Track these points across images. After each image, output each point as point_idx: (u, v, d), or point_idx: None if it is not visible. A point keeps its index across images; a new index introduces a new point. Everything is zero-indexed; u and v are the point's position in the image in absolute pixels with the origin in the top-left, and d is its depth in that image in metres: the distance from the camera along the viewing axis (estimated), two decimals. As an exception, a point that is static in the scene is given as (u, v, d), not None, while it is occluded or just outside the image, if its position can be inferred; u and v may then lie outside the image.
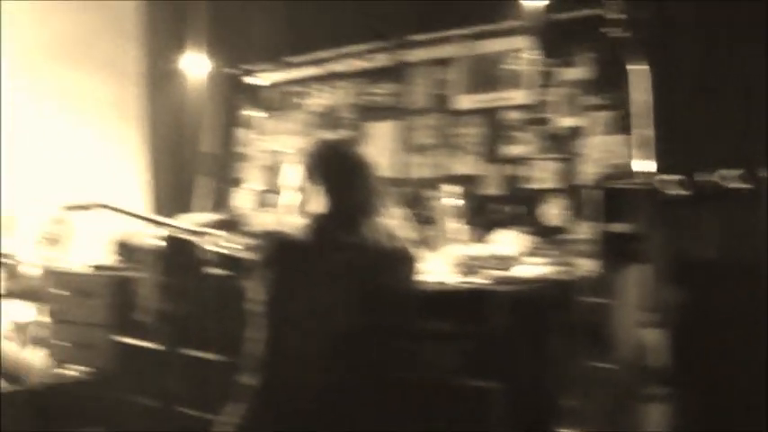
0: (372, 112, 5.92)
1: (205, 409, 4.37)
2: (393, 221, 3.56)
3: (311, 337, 3.35)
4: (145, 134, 7.09)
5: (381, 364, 3.38)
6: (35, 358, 4.11)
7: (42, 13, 6.62)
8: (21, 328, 6.05)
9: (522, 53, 5.24)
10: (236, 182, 6.60)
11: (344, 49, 6.01)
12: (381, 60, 5.87)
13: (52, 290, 5.30)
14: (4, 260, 5.77)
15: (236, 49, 6.57)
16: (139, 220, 5.20)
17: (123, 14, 7.09)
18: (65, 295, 5.22)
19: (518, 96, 5.28)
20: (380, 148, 5.69)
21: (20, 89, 6.51)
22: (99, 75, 6.88)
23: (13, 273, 5.69)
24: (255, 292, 3.47)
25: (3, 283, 5.60)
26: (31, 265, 5.77)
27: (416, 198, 5.28)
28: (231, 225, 5.03)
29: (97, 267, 5.39)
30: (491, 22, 5.34)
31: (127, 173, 7.00)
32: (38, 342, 5.55)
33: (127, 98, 7.07)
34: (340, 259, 3.38)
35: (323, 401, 3.33)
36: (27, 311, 5.89)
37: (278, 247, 3.49)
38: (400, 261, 3.47)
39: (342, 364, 3.33)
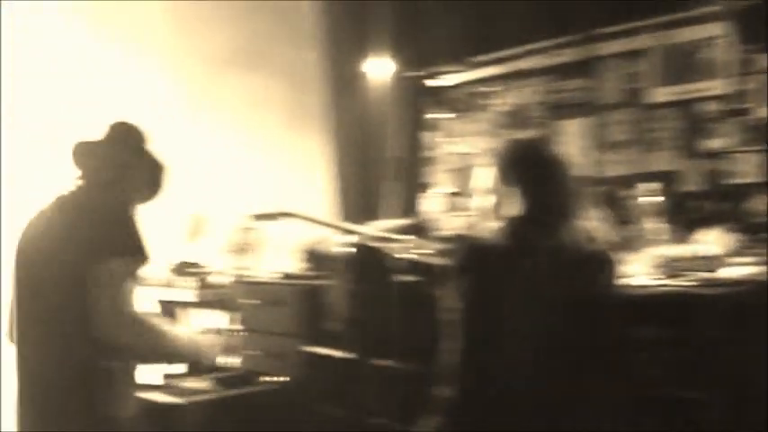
0: (562, 109, 5.78)
1: (397, 420, 4.29)
2: (591, 223, 3.38)
3: (510, 347, 3.20)
4: (329, 140, 7.07)
5: (585, 372, 3.21)
6: (212, 340, 4.12)
7: (216, 19, 6.66)
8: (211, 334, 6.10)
9: (720, 40, 5.00)
10: (424, 186, 6.50)
11: (531, 46, 5.86)
12: (570, 55, 5.72)
13: (242, 299, 5.28)
14: (194, 270, 5.81)
15: (419, 50, 6.49)
16: (327, 228, 5.17)
17: (301, 18, 7.09)
18: (254, 304, 5.19)
19: (716, 86, 5.06)
20: (572, 146, 5.53)
21: (198, 98, 6.57)
22: (278, 80, 6.89)
23: (203, 282, 5.71)
24: (449, 299, 3.34)
25: (194, 292, 5.62)
26: (221, 274, 5.79)
27: (612, 197, 5.10)
28: (420, 230, 4.93)
29: (286, 276, 5.37)
30: (685, 9, 5.12)
31: (312, 180, 7.00)
32: (230, 350, 5.56)
33: (308, 104, 7.07)
34: (538, 264, 3.23)
35: (524, 413, 3.18)
36: (218, 320, 5.92)
37: (472, 253, 3.36)
38: (601, 265, 3.29)
39: (543, 375, 3.17)
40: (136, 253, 3.58)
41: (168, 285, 5.87)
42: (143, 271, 3.64)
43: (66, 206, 3.74)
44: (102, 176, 3.80)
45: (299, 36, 7.05)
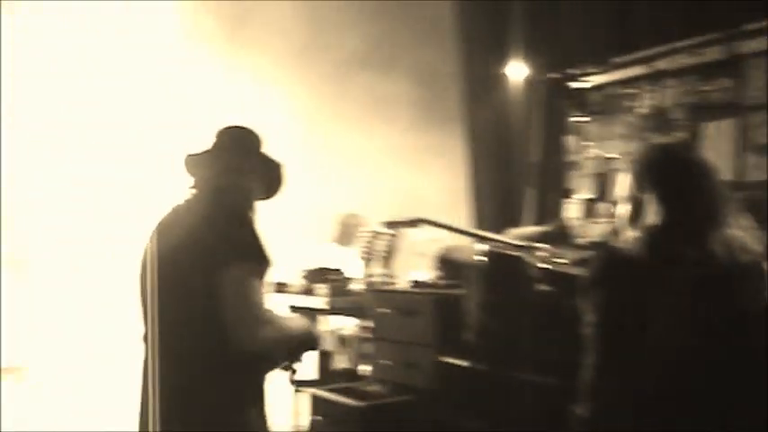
0: (706, 110, 5.54)
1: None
2: (739, 232, 3.19)
3: (650, 365, 3.04)
4: (465, 143, 6.96)
5: (732, 393, 3.03)
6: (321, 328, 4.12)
7: (352, 18, 6.63)
8: (346, 342, 6.06)
9: None
10: (564, 192, 6.32)
11: (672, 45, 5.66)
12: (713, 54, 5.50)
13: (375, 307, 5.21)
14: (328, 276, 5.78)
15: (558, 51, 6.35)
16: (461, 235, 5.07)
17: (437, 18, 7.01)
18: (387, 313, 5.10)
19: None
20: (717, 149, 5.31)
21: (328, 99, 6.54)
22: (411, 82, 6.83)
23: (337, 289, 5.67)
24: (586, 312, 3.19)
25: (328, 298, 5.58)
26: (357, 281, 5.73)
27: (759, 204, 4.87)
28: (560, 238, 4.80)
29: (419, 284, 5.27)
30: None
31: (447, 185, 6.91)
32: (363, 358, 5.52)
33: (443, 106, 6.99)
34: (682, 277, 3.06)
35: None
36: (352, 326, 5.88)
37: (607, 264, 3.21)
38: (756, 276, 3.11)
39: (687, 396, 3.01)
40: (256, 257, 3.59)
41: (302, 292, 5.86)
42: (266, 275, 3.65)
43: (184, 215, 3.76)
44: (215, 183, 3.81)
45: (435, 37, 6.98)
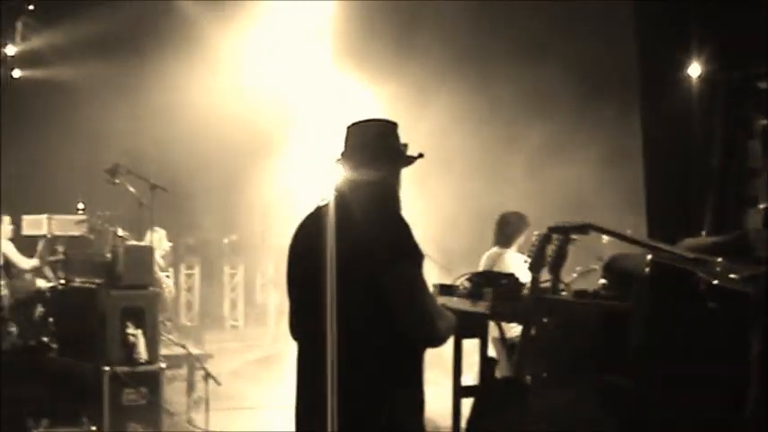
0: None
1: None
2: None
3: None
4: (637, 143, 6.70)
5: None
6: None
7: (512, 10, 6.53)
8: (506, 347, 5.89)
9: None
10: (747, 200, 5.95)
11: None
12: None
13: (538, 315, 5.00)
14: (503, 281, 5.59)
15: (744, 49, 5.99)
16: (630, 243, 4.82)
17: (610, 11, 6.79)
18: (549, 321, 4.89)
19: None
20: None
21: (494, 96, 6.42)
22: (572, 74, 6.65)
23: (505, 294, 5.46)
24: (753, 338, 2.88)
25: (493, 303, 5.39)
26: (518, 287, 5.52)
27: None
28: (739, 251, 4.48)
29: (583, 293, 5.02)
30: None
31: (616, 188, 6.67)
32: (525, 367, 5.33)
33: (610, 101, 6.78)
34: None
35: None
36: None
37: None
38: None
39: None
40: (416, 253, 3.72)
41: (467, 296, 5.69)
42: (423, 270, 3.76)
43: (336, 216, 3.77)
44: (357, 183, 3.74)
45: (605, 31, 6.79)
